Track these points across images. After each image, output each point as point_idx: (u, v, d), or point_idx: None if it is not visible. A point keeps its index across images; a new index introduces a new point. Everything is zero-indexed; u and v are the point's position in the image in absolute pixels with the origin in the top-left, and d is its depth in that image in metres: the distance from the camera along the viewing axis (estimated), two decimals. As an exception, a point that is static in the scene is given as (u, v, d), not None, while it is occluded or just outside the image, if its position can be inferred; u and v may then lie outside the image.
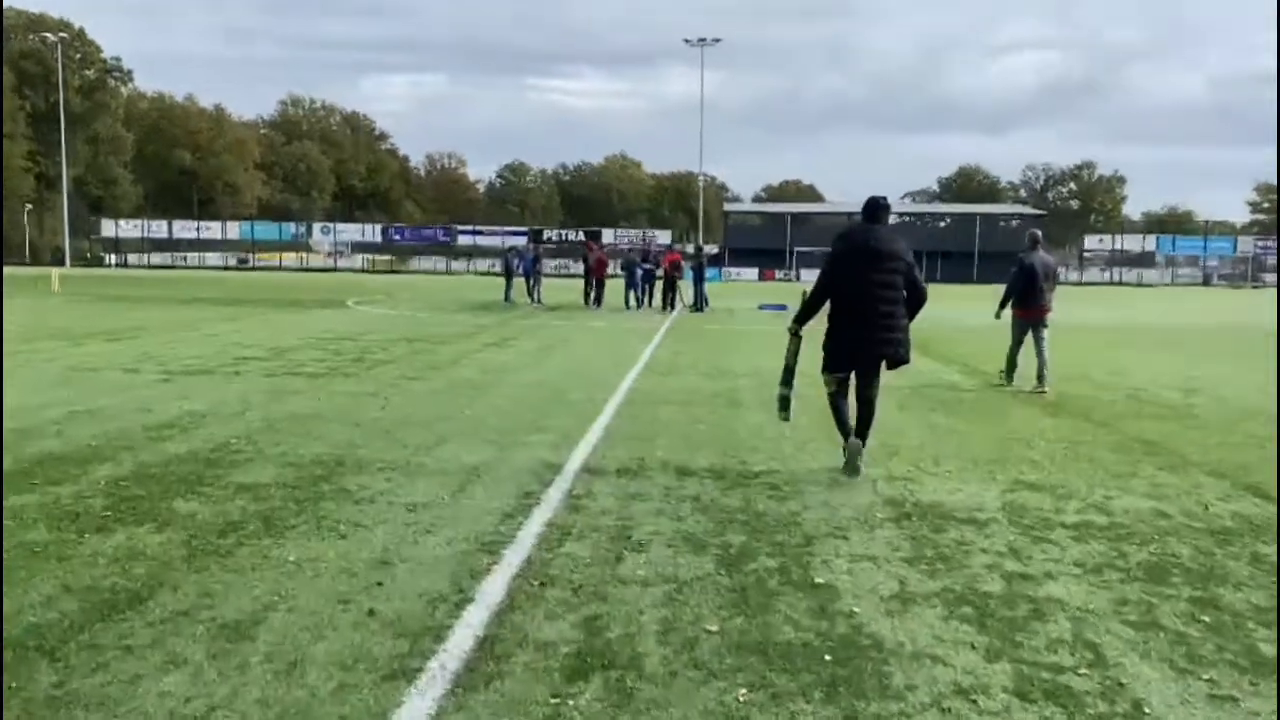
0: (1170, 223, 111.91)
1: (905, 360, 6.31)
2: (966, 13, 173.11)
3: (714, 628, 3.62)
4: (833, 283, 6.22)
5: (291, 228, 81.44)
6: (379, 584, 4.04)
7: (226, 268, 73.49)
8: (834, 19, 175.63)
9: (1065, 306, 29.67)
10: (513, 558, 4.41)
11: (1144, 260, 76.48)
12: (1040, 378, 10.48)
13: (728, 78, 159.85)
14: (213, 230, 78.74)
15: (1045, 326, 10.84)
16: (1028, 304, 10.81)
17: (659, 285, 25.52)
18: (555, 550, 4.53)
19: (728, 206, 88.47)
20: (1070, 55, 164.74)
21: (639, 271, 25.77)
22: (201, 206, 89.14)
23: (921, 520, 5.17)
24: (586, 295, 25.95)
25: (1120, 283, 69.16)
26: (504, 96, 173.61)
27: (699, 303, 24.68)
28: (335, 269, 74.74)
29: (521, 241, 72.77)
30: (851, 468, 6.18)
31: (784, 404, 6.75)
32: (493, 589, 4.00)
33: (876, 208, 6.36)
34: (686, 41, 65.09)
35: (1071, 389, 10.51)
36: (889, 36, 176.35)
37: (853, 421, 6.35)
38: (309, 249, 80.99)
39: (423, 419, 8.04)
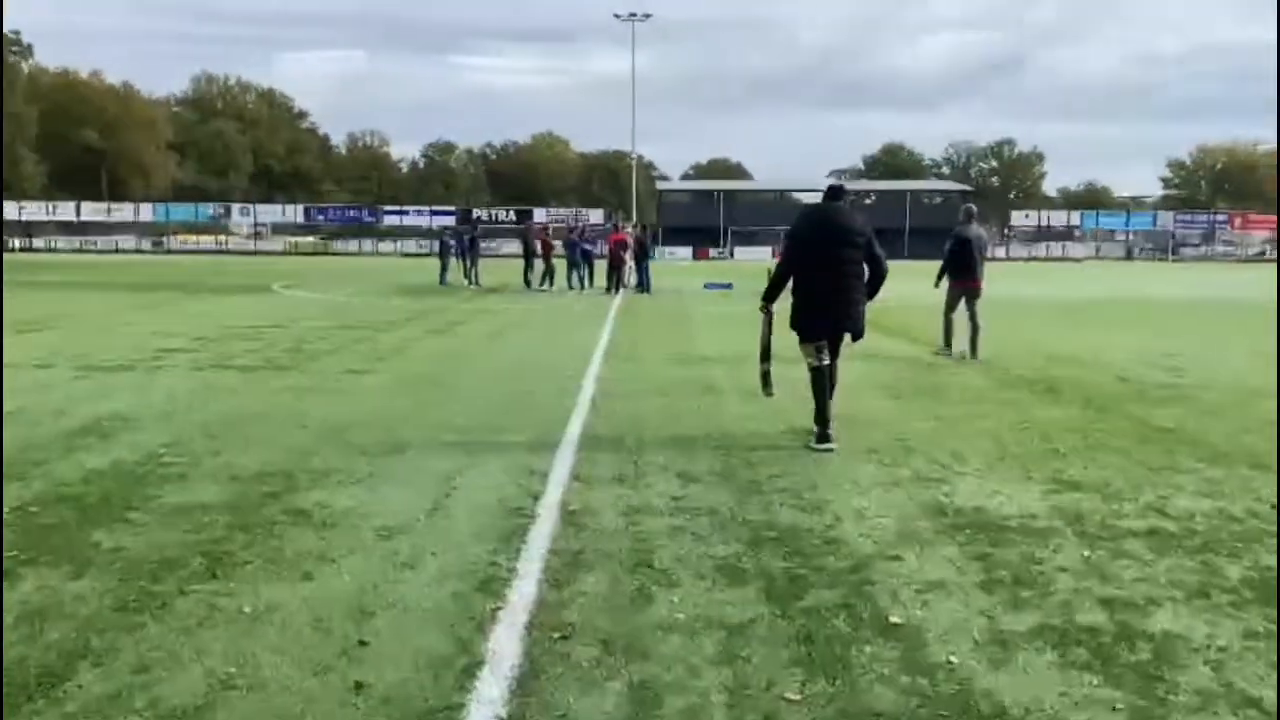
0: (1087, 198, 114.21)
1: (862, 333, 6.63)
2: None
3: (794, 695, 2.91)
4: (799, 259, 6.47)
5: (209, 209, 78.34)
6: (362, 643, 3.25)
7: (141, 251, 70.45)
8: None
9: (1009, 283, 29.73)
10: (519, 599, 3.66)
11: (1064, 235, 77.72)
12: (974, 348, 10.86)
13: (653, 55, 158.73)
14: (124, 212, 75.32)
15: (978, 297, 11.26)
16: (964, 275, 11.21)
17: (602, 266, 24.73)
18: (567, 587, 3.79)
19: (660, 185, 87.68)
20: (990, 34, 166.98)
21: (579, 250, 24.92)
22: (112, 188, 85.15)
23: (976, 532, 4.54)
24: (527, 277, 25.01)
25: (1047, 258, 70.21)
26: (426, 74, 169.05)
27: (644, 284, 23.94)
28: (256, 252, 72.16)
29: (450, 221, 71.28)
30: (824, 436, 6.35)
31: (765, 379, 6.97)
32: (504, 646, 3.24)
33: (838, 191, 6.74)
34: (616, 16, 63.96)
35: (1058, 371, 10.05)
36: (813, 14, 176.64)
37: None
38: (228, 231, 78.10)
39: (377, 419, 7.19)
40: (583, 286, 24.34)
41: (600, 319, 16.30)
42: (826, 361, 6.51)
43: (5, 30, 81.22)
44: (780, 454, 6.13)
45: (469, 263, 25.83)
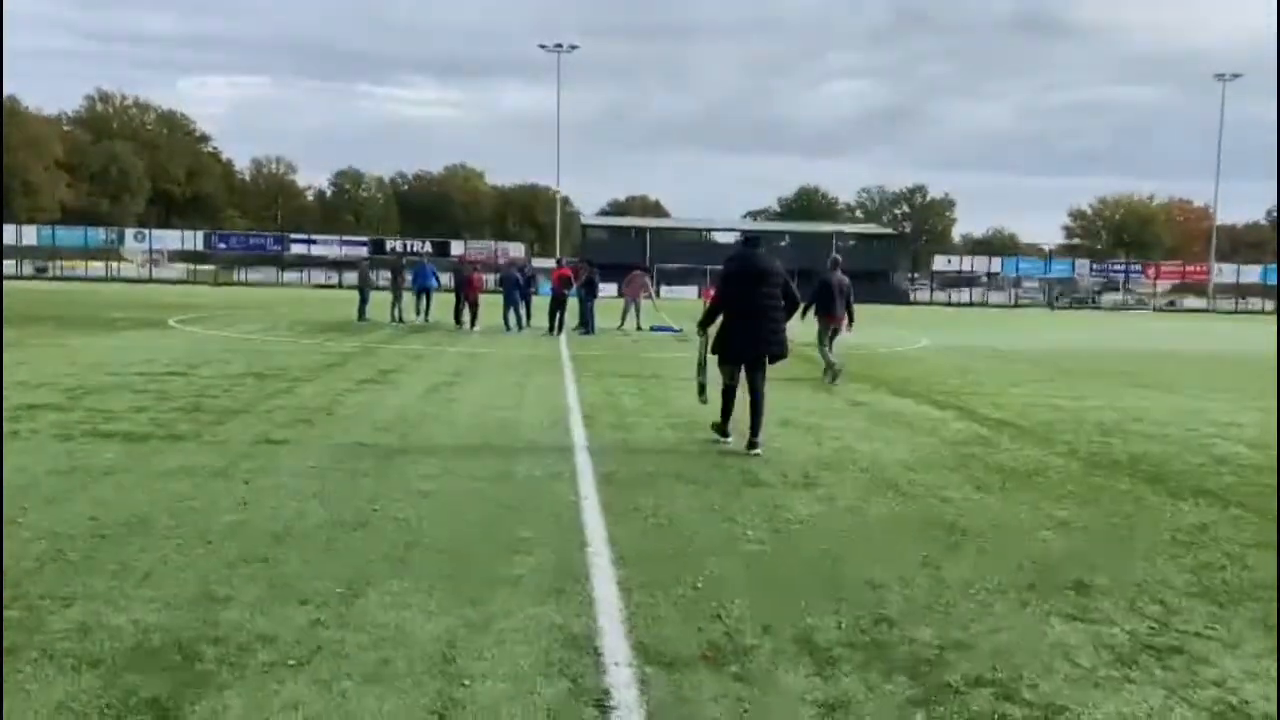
0: (996, 245, 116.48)
1: (784, 356, 7.79)
2: (791, 41, 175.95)
3: None
4: (726, 296, 7.66)
5: (101, 233, 73.66)
6: None
7: (22, 277, 65.54)
8: (666, 40, 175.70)
9: (964, 333, 28.74)
10: None
11: (972, 281, 78.26)
12: (829, 370, 13.06)
13: (567, 93, 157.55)
14: (6, 235, 70.22)
15: (839, 333, 13.53)
16: (829, 312, 13.29)
17: (542, 304, 22.76)
18: None
19: (585, 220, 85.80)
20: (889, 85, 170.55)
21: (517, 287, 22.84)
22: (-8, 209, 79.59)
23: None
24: (458, 315, 22.80)
25: (971, 303, 70.54)
26: (333, 102, 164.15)
27: (588, 324, 22.03)
28: (151, 280, 67.93)
29: (362, 251, 68.36)
30: (751, 445, 7.49)
31: (701, 390, 8.31)
32: None
33: (753, 239, 8.03)
34: (542, 47, 62.44)
35: (1132, 448, 8.45)
36: (719, 60, 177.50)
37: (742, 412, 7.71)
38: (120, 257, 73.50)
39: (313, 526, 5.11)
40: (520, 327, 22.29)
41: (554, 367, 14.31)
42: (736, 383, 7.75)
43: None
44: (921, 596, 4.27)
45: (395, 297, 23.58)
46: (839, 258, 14.07)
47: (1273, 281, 69.50)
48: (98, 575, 4.22)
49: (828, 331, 13.35)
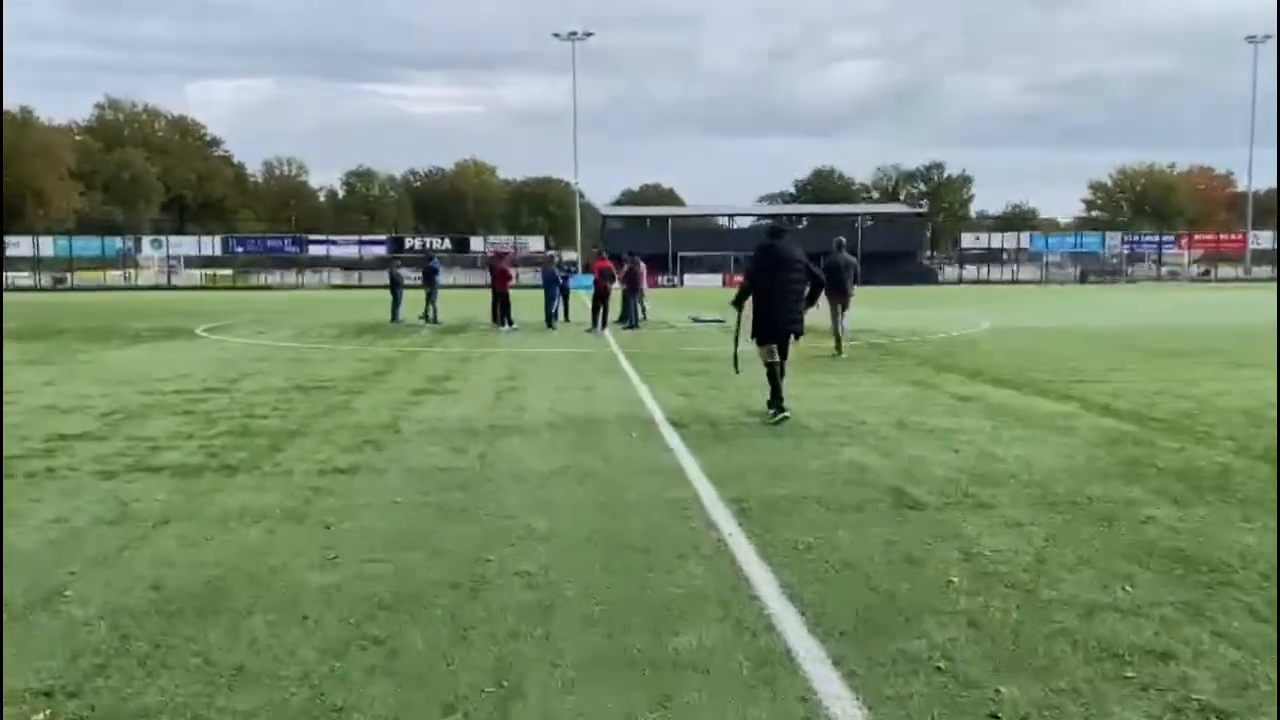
0: (1015, 220, 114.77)
1: (801, 334, 8.69)
2: (797, 24, 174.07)
3: None
4: (755, 279, 8.52)
5: (117, 242, 73.17)
6: None
7: (40, 289, 65.11)
8: (671, 29, 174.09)
9: (1024, 311, 27.71)
10: None
11: (992, 257, 76.79)
12: (839, 345, 14.21)
13: (572, 84, 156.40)
14: (21, 246, 69.80)
15: (847, 309, 14.54)
16: (835, 292, 13.81)
17: (581, 298, 21.86)
18: None
19: (605, 210, 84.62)
20: (897, 63, 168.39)
21: (557, 282, 21.96)
22: (7, 220, 79.14)
23: None
24: (495, 313, 21.92)
25: (1002, 280, 69.19)
26: (339, 102, 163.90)
27: (632, 318, 21.11)
28: (170, 286, 67.40)
29: (380, 250, 67.74)
30: (779, 410, 8.37)
31: (735, 361, 9.26)
32: None
33: (779, 229, 9.00)
34: (556, 35, 61.31)
35: (1304, 440, 7.47)
36: (727, 46, 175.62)
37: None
38: (138, 265, 73.00)
39: (427, 588, 4.21)
40: (562, 320, 21.39)
41: (613, 367, 13.40)
42: (777, 359, 8.45)
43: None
44: (1225, 667, 3.33)
45: (429, 297, 22.73)
46: (844, 239, 15.18)
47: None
48: (176, 674, 3.34)
49: (836, 309, 14.36)
